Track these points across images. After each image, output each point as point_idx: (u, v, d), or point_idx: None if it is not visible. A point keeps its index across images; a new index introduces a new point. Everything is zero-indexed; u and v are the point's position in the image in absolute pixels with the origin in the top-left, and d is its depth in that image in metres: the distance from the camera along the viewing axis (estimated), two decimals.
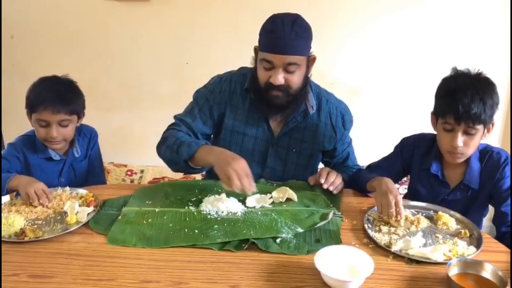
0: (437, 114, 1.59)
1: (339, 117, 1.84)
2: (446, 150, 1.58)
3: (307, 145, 1.83)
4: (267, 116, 1.79)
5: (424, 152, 1.70)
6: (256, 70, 1.70)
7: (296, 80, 1.66)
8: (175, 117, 1.82)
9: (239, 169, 1.48)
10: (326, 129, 1.83)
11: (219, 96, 1.79)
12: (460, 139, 1.51)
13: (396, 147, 1.80)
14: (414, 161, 1.73)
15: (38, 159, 1.83)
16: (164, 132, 1.79)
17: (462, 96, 1.47)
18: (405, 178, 2.68)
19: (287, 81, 1.64)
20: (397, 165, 1.77)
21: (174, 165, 1.74)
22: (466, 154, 1.57)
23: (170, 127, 1.79)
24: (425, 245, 1.36)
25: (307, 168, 1.86)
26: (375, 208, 1.56)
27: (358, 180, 1.72)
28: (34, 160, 1.83)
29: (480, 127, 1.50)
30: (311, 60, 1.71)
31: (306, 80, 1.72)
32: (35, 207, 1.51)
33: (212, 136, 1.91)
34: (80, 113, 1.85)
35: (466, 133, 1.51)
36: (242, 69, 1.85)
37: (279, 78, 1.62)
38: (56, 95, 1.74)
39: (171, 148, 1.68)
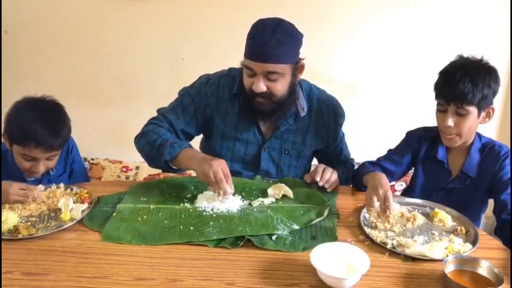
0: (435, 97, 1.63)
1: (330, 115, 1.81)
2: (440, 130, 1.62)
3: (299, 146, 1.81)
4: (256, 120, 1.76)
5: (431, 142, 1.72)
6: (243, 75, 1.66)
7: (279, 88, 1.61)
8: (158, 111, 1.80)
9: (216, 172, 1.49)
10: (318, 129, 1.81)
11: (205, 98, 1.75)
12: (450, 119, 1.55)
13: (403, 140, 1.80)
14: (421, 150, 1.74)
15: (11, 178, 1.58)
16: (145, 126, 1.76)
17: (452, 77, 1.53)
18: None
19: (269, 89, 1.59)
20: (407, 156, 1.77)
21: (152, 162, 1.72)
22: (460, 136, 1.58)
23: (152, 121, 1.76)
24: (421, 242, 1.35)
25: (300, 168, 1.85)
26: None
27: (357, 176, 1.72)
28: (6, 178, 1.57)
29: (471, 108, 1.53)
30: (298, 68, 1.65)
31: (293, 87, 1.67)
32: (29, 203, 1.50)
33: (203, 137, 1.91)
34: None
35: (457, 114, 1.55)
36: (230, 70, 1.80)
37: (260, 86, 1.57)
38: (49, 131, 1.57)
39: (152, 145, 1.66)
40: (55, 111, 1.65)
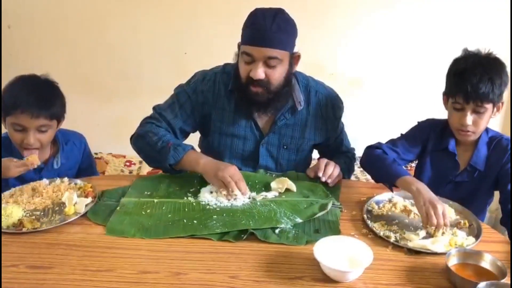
0: (448, 94, 1.61)
1: (329, 108, 1.79)
2: (456, 128, 1.61)
3: (297, 141, 1.79)
4: (253, 115, 1.74)
5: (440, 134, 1.71)
6: (238, 66, 1.65)
7: (277, 76, 1.60)
8: (154, 108, 1.78)
9: (233, 174, 1.52)
10: (316, 122, 1.79)
11: (201, 95, 1.74)
12: (469, 118, 1.54)
13: (413, 129, 1.78)
14: (430, 142, 1.73)
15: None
16: (142, 125, 1.75)
17: (471, 76, 1.50)
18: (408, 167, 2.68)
19: (267, 76, 1.58)
20: (417, 146, 1.75)
21: (152, 163, 1.73)
22: (476, 132, 1.59)
23: (149, 120, 1.74)
24: (424, 236, 1.35)
25: (299, 162, 1.84)
26: (374, 198, 1.56)
27: (380, 170, 1.64)
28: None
29: (489, 106, 1.53)
30: (295, 58, 1.65)
31: (289, 77, 1.66)
32: (33, 196, 1.51)
33: (200, 135, 1.91)
34: (60, 118, 1.70)
35: (475, 111, 1.54)
36: (226, 66, 1.78)
37: (259, 71, 1.56)
38: (36, 97, 1.58)
39: (152, 147, 1.65)
40: (46, 84, 1.67)
